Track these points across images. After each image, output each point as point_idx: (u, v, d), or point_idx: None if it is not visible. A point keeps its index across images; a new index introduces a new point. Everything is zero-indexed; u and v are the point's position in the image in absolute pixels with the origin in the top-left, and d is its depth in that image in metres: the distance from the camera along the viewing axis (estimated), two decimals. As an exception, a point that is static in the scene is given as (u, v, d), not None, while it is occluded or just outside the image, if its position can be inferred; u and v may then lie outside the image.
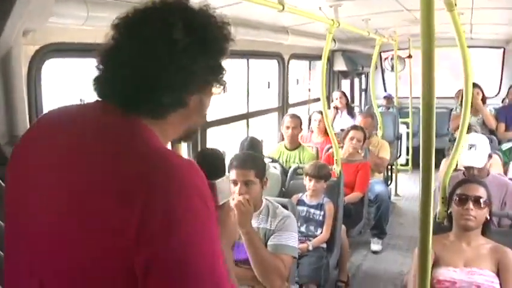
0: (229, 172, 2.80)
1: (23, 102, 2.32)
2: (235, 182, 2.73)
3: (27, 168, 1.17)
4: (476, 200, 2.66)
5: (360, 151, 5.15)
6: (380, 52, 8.58)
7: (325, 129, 5.59)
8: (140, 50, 1.10)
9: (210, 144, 4.48)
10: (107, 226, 1.00)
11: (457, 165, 3.84)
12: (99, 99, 1.17)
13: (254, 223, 2.67)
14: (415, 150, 7.98)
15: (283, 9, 2.95)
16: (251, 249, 2.53)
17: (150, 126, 1.13)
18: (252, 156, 3.02)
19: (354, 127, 5.28)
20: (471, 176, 3.45)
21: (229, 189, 1.39)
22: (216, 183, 1.33)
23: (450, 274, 2.57)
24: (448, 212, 2.82)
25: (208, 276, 1.01)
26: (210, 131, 4.41)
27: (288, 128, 4.99)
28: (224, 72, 1.23)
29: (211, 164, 1.41)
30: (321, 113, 5.67)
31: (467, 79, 2.84)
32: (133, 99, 1.11)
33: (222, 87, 1.29)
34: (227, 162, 2.88)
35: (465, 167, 3.55)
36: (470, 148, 3.49)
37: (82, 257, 1.03)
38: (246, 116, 5.35)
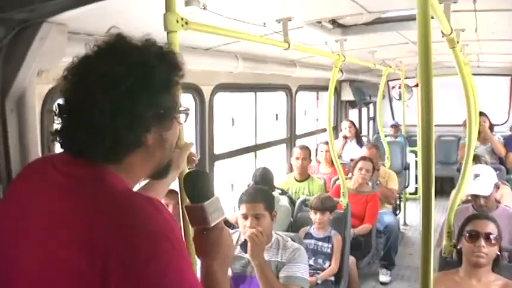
0: (239, 206, 2.86)
1: (36, 142, 2.38)
2: (245, 216, 2.79)
3: (9, 216, 1.20)
4: (487, 237, 2.63)
5: (368, 182, 5.17)
6: (388, 81, 8.64)
7: (332, 160, 5.66)
8: (82, 99, 1.12)
9: (218, 177, 4.53)
10: (72, 277, 1.02)
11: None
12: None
13: (265, 256, 2.71)
14: (424, 178, 7.95)
15: (289, 47, 3.01)
16: (263, 281, 2.58)
17: (113, 170, 1.14)
18: (261, 190, 3.06)
19: (363, 158, 5.30)
20: (479, 207, 3.46)
21: (220, 209, 1.36)
22: (204, 206, 1.32)
23: None
24: (458, 247, 2.78)
25: None
26: (217, 164, 4.44)
27: (297, 159, 5.03)
28: (178, 102, 1.23)
29: (196, 186, 1.36)
30: (327, 143, 5.71)
31: (470, 110, 2.87)
32: (87, 149, 1.13)
33: (184, 116, 1.32)
34: (237, 196, 2.94)
35: (472, 197, 3.56)
36: (475, 178, 3.51)
37: None
38: (254, 148, 5.40)
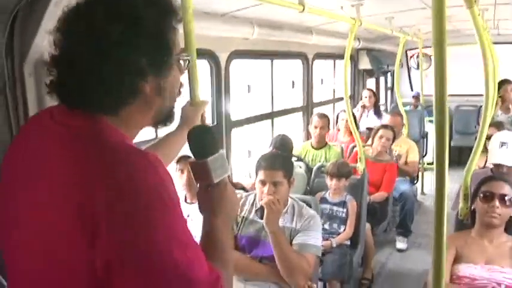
0: (256, 172, 2.87)
1: (54, 103, 2.43)
2: (263, 182, 2.79)
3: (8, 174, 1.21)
4: (502, 198, 2.64)
5: (387, 151, 5.16)
6: (406, 50, 8.52)
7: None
8: (72, 49, 1.11)
9: (235, 144, 4.56)
10: (63, 235, 1.03)
11: (485, 162, 3.84)
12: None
13: (280, 222, 2.72)
14: (442, 148, 7.89)
15: (303, 9, 2.98)
16: (277, 249, 2.59)
17: (111, 121, 1.14)
18: (280, 157, 3.06)
19: (384, 126, 5.28)
20: (500, 174, 3.44)
21: (225, 166, 1.35)
22: (208, 162, 1.31)
23: (470, 271, 2.57)
24: (472, 208, 2.80)
25: (172, 270, 1.03)
26: (234, 131, 4.47)
27: (316, 127, 5.03)
28: (171, 48, 1.19)
29: (200, 142, 1.35)
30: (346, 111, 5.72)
31: (488, 77, 2.83)
32: (81, 100, 1.12)
33: (184, 63, 1.29)
34: (255, 162, 2.95)
35: (494, 165, 3.53)
36: (502, 146, 3.48)
37: (43, 268, 1.08)
38: (271, 116, 5.39)
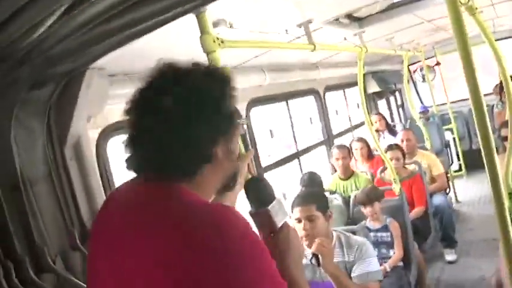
0: (292, 211, 2.87)
1: (97, 180, 2.51)
2: (299, 220, 2.79)
3: (101, 244, 1.29)
4: None
5: (407, 167, 5.15)
6: (407, 65, 8.63)
7: (368, 155, 5.71)
8: (152, 127, 1.21)
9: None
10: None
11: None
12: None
13: None
14: (465, 153, 7.88)
15: (314, 48, 3.07)
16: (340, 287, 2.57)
17: (187, 186, 1.22)
18: (311, 192, 3.09)
19: (389, 147, 5.21)
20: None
21: (284, 210, 1.42)
22: (269, 209, 1.37)
23: None
24: None
25: None
26: (266, 176, 4.51)
27: (337, 159, 5.06)
28: (236, 113, 1.30)
29: (260, 192, 1.42)
30: (359, 140, 5.78)
31: (505, 74, 2.87)
32: (162, 170, 1.21)
33: (242, 125, 1.41)
34: (290, 202, 2.97)
35: None
36: None
37: None
38: (297, 155, 5.46)
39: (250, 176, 1.80)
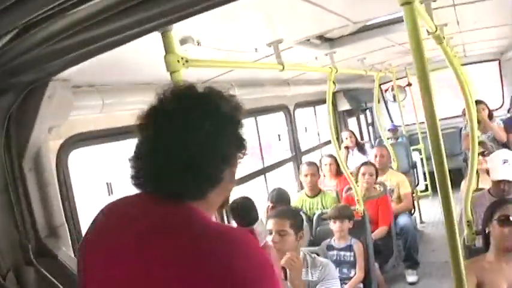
0: (266, 224, 2.87)
1: (56, 194, 2.45)
2: (270, 232, 2.79)
3: (99, 262, 1.27)
4: None
5: (377, 186, 5.20)
6: (380, 85, 8.74)
7: (337, 172, 5.73)
8: (169, 144, 1.21)
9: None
10: None
11: (477, 184, 3.90)
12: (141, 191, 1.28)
13: None
14: (432, 174, 7.92)
15: (283, 68, 3.08)
16: None
17: (196, 206, 1.23)
18: (290, 209, 3.13)
19: (364, 163, 5.37)
20: (499, 192, 3.47)
21: (265, 230, 1.50)
22: (254, 228, 1.45)
23: None
24: (486, 232, 2.77)
25: None
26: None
27: (306, 176, 5.07)
28: (244, 140, 1.32)
29: (247, 211, 1.51)
30: (329, 156, 5.83)
31: (468, 100, 2.93)
32: (178, 190, 1.21)
33: (245, 152, 1.40)
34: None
35: (495, 182, 3.56)
36: (504, 163, 3.55)
37: None
38: (263, 171, 5.45)
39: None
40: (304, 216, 4.60)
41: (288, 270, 2.61)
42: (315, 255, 2.90)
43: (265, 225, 1.52)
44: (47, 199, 2.38)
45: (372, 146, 7.84)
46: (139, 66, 2.56)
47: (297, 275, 2.61)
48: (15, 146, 2.24)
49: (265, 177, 5.44)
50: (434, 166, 1.68)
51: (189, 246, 1.13)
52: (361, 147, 7.19)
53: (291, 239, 2.81)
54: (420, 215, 7.30)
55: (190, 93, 1.29)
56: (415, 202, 7.04)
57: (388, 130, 8.45)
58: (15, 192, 2.24)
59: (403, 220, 5.41)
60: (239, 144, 1.31)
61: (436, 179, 1.68)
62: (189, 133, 1.21)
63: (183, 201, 1.22)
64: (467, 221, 2.91)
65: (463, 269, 1.69)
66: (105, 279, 1.23)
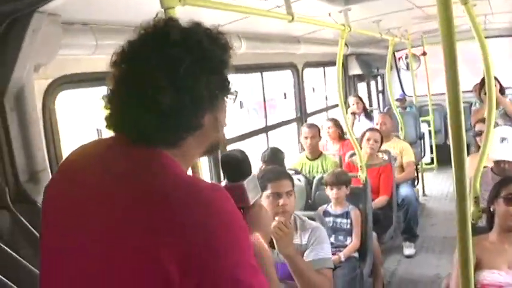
0: (264, 188, 2.70)
1: (40, 137, 2.31)
2: (278, 195, 2.63)
3: (60, 210, 1.18)
4: None
5: (380, 154, 5.06)
6: (394, 52, 8.49)
7: (338, 136, 5.66)
8: (142, 82, 1.09)
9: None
10: (143, 262, 1.01)
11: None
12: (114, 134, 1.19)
13: None
14: (439, 147, 7.84)
15: (292, 19, 2.89)
16: (297, 273, 2.44)
17: (170, 154, 1.14)
18: (282, 169, 3.04)
19: (370, 128, 5.22)
20: (501, 171, 3.36)
21: (258, 187, 1.40)
22: (244, 184, 1.34)
23: (495, 277, 2.46)
24: (491, 211, 2.70)
25: None
26: (230, 148, 4.36)
27: (306, 138, 4.92)
28: (230, 83, 1.22)
29: (236, 165, 1.39)
30: (330, 120, 5.72)
31: (488, 71, 2.74)
32: (146, 133, 1.11)
33: (233, 97, 1.29)
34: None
35: (495, 162, 3.44)
36: (502, 141, 3.40)
37: None
38: (265, 130, 5.30)
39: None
40: (303, 179, 4.51)
41: (274, 239, 2.42)
42: (305, 219, 2.76)
43: (258, 183, 1.37)
44: (29, 142, 2.25)
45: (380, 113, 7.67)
46: (136, 6, 2.37)
47: (287, 243, 2.42)
48: (-5, 84, 2.10)
49: (267, 135, 5.29)
50: (451, 138, 1.54)
51: (156, 192, 1.05)
52: (367, 114, 7.03)
53: (293, 199, 2.69)
54: (423, 187, 7.19)
55: (170, 27, 1.15)
56: (419, 174, 6.96)
57: (396, 100, 8.25)
58: (-6, 130, 2.12)
59: (405, 191, 5.29)
60: (223, 87, 1.19)
61: (452, 150, 1.54)
62: (162, 71, 1.09)
63: (154, 147, 1.12)
64: (475, 197, 2.75)
65: (471, 246, 1.56)
66: (65, 220, 1.15)
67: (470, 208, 2.79)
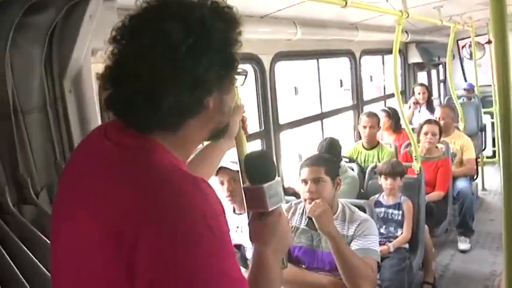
0: (300, 173, 2.75)
1: (96, 121, 2.39)
2: (305, 181, 2.66)
3: (62, 198, 1.19)
4: None
5: (438, 147, 4.92)
6: (457, 40, 8.18)
7: (394, 128, 5.55)
8: (139, 61, 1.03)
9: (284, 147, 4.46)
10: (99, 259, 0.98)
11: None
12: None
13: None
14: (503, 141, 7.50)
15: (346, 4, 2.84)
16: (338, 254, 2.42)
17: (167, 142, 1.08)
18: (322, 156, 3.00)
19: (428, 121, 5.03)
20: None
21: (280, 194, 1.30)
22: (264, 188, 1.26)
23: None
24: None
25: None
26: (283, 134, 4.38)
27: (364, 127, 4.86)
28: (237, 62, 1.14)
29: (257, 167, 1.30)
30: (383, 111, 5.59)
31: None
32: (141, 116, 1.05)
33: (243, 78, 1.25)
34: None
35: None
36: None
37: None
38: (320, 117, 5.25)
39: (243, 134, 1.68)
40: (357, 168, 4.47)
41: (313, 219, 2.46)
42: (355, 209, 2.72)
43: (282, 190, 1.30)
44: (86, 122, 2.31)
45: (441, 104, 7.43)
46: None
47: (326, 221, 2.43)
48: (56, 66, 2.18)
49: (321, 123, 5.23)
50: (499, 130, 1.47)
51: (125, 183, 1.01)
52: (430, 105, 6.79)
53: (328, 187, 2.64)
54: (483, 181, 6.93)
55: (171, 1, 1.08)
56: (479, 167, 6.70)
57: (464, 89, 7.96)
58: (54, 112, 2.20)
59: (461, 184, 5.11)
60: (229, 66, 1.11)
61: (500, 141, 1.48)
62: (160, 49, 1.02)
63: (148, 134, 1.07)
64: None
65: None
66: (59, 229, 1.15)
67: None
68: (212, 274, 0.95)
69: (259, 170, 1.30)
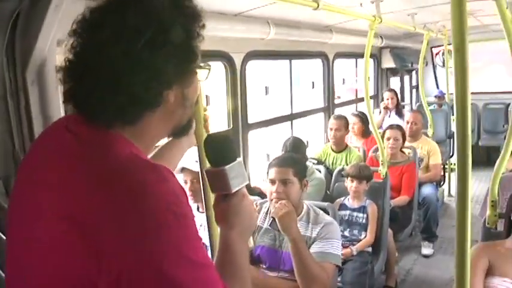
0: (267, 173, 2.76)
1: (59, 114, 2.34)
2: (273, 181, 2.67)
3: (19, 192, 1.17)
4: None
5: (405, 151, 4.97)
6: (431, 47, 8.29)
7: (363, 132, 5.54)
8: (98, 55, 1.03)
9: (252, 147, 4.45)
10: (62, 250, 0.97)
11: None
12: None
13: None
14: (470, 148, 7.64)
15: (317, 7, 2.83)
16: (296, 257, 2.44)
17: (127, 134, 1.08)
18: (290, 156, 2.98)
19: (390, 126, 5.06)
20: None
21: (243, 174, 1.28)
22: (226, 170, 1.24)
23: (506, 286, 2.38)
24: (510, 218, 2.61)
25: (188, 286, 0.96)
26: (252, 134, 4.37)
27: (331, 129, 4.87)
28: (197, 55, 1.13)
29: (217, 149, 1.28)
30: (355, 115, 5.60)
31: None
32: (99, 110, 1.04)
33: (206, 72, 1.25)
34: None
35: None
36: None
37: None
38: (290, 118, 5.25)
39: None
40: (324, 170, 4.48)
41: (276, 219, 2.47)
42: (321, 212, 2.74)
43: (245, 170, 1.27)
44: (49, 116, 2.28)
45: (411, 110, 7.52)
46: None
47: (289, 222, 2.45)
48: (19, 55, 2.13)
49: (291, 124, 5.24)
50: (456, 137, 1.49)
51: (83, 173, 1.00)
52: (399, 110, 6.86)
53: (295, 188, 2.65)
54: (449, 187, 7.04)
55: None
56: (447, 174, 6.82)
57: (435, 96, 8.07)
58: (15, 103, 2.15)
59: (427, 190, 5.18)
60: (189, 60, 1.12)
61: (456, 153, 1.50)
62: (118, 42, 1.02)
63: (107, 128, 1.06)
64: (492, 201, 2.69)
65: (468, 250, 1.53)
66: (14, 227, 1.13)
67: (486, 212, 2.74)
68: (180, 260, 0.96)
69: (219, 152, 1.28)
